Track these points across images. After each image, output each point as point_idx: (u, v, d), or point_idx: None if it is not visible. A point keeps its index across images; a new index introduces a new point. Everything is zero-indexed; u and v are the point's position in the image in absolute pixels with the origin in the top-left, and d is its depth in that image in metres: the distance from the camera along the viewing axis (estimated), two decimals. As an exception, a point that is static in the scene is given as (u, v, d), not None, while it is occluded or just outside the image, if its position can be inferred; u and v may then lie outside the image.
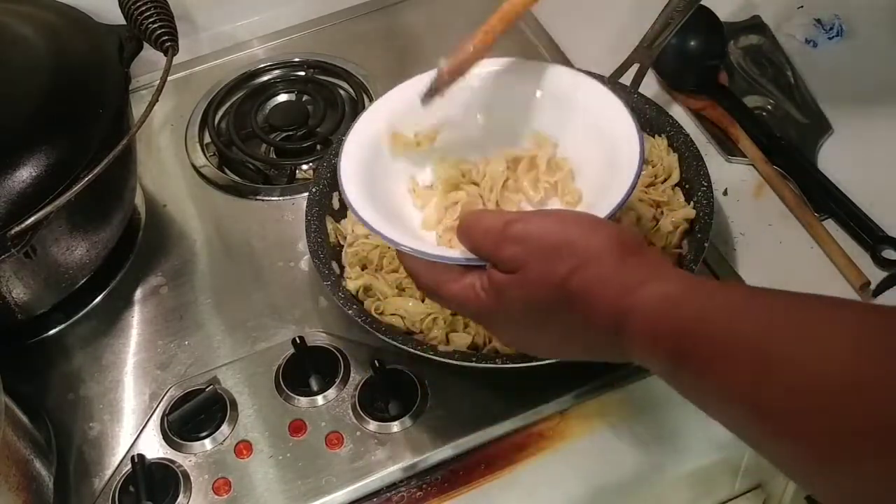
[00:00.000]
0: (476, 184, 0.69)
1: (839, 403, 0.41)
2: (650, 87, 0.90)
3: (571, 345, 0.56)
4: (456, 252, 0.59)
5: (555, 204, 0.69)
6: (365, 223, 0.62)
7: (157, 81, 0.75)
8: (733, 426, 0.47)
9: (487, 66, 0.70)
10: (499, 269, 0.55)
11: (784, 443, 0.43)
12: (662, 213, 0.75)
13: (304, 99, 0.97)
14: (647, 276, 0.51)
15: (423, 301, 0.70)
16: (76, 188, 0.68)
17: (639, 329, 0.50)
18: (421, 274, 0.61)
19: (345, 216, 0.79)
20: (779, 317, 0.45)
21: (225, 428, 0.70)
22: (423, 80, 0.68)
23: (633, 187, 0.59)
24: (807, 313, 0.45)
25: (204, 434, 0.70)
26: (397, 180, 0.70)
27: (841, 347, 0.42)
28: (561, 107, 0.69)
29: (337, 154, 0.67)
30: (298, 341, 0.72)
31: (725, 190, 0.82)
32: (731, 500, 0.81)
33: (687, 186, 0.76)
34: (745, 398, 0.45)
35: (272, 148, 0.93)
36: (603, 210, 0.59)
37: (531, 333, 0.57)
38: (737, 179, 0.83)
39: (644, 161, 0.60)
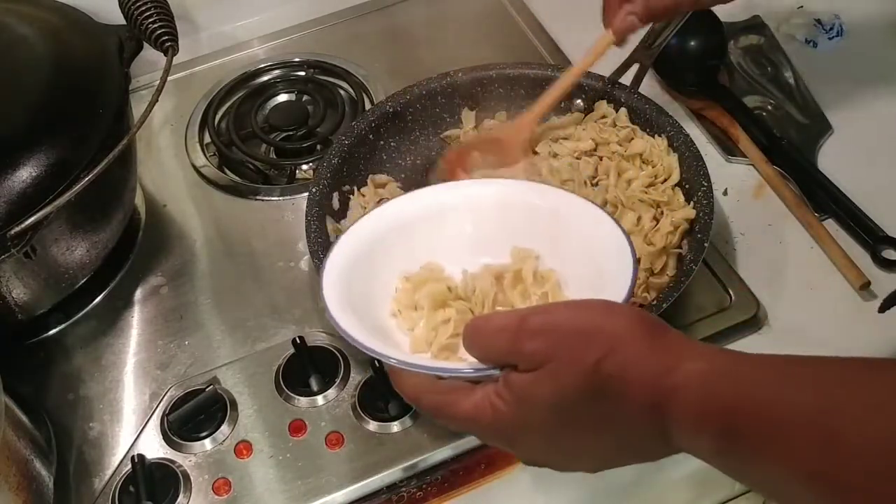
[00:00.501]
0: (462, 299, 0.65)
1: None
2: (650, 87, 0.90)
3: (608, 444, 0.51)
4: (463, 364, 0.54)
5: None
6: (362, 346, 0.57)
7: (157, 81, 0.75)
8: None
9: (476, 185, 0.72)
10: (518, 369, 0.50)
11: None
12: (662, 213, 0.75)
13: (304, 99, 0.97)
14: (681, 354, 0.48)
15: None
16: (76, 188, 0.68)
17: (683, 410, 0.46)
18: (424, 395, 0.55)
19: (345, 216, 0.79)
20: (833, 385, 0.43)
21: (225, 428, 0.70)
22: (384, 212, 0.68)
23: (632, 286, 0.57)
24: (862, 379, 0.43)
25: (204, 434, 0.70)
26: (380, 305, 0.66)
27: None
28: (545, 221, 0.67)
29: (319, 285, 0.63)
30: (298, 341, 0.72)
31: (725, 190, 0.82)
32: (730, 500, 0.81)
33: (687, 186, 0.76)
34: (816, 477, 0.42)
35: (272, 148, 0.93)
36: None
37: (560, 440, 0.52)
38: (737, 179, 0.83)
39: (638, 265, 0.59)
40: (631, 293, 0.57)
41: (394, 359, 0.56)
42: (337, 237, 0.69)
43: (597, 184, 0.79)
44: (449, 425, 0.56)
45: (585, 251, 0.64)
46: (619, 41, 0.76)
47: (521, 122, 0.81)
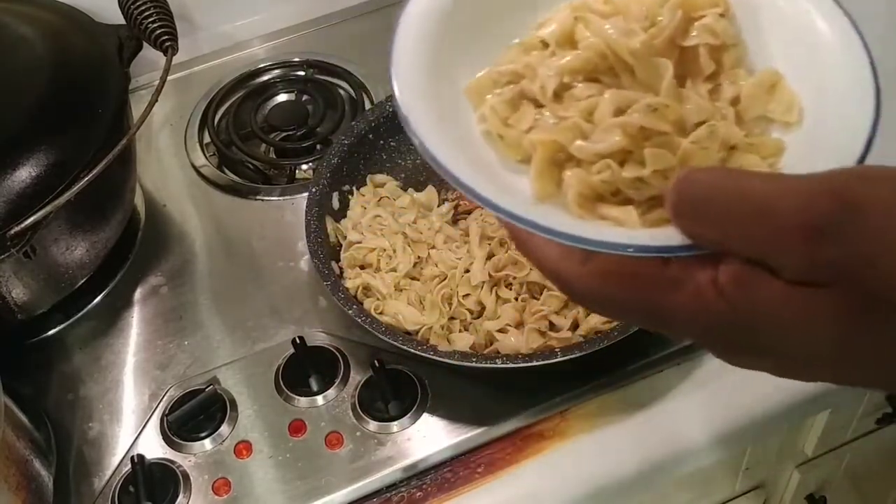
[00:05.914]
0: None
1: None
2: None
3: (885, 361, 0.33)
4: (669, 235, 0.33)
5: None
6: (461, 186, 0.36)
7: (157, 81, 0.75)
8: None
9: None
10: (777, 274, 0.32)
11: None
12: None
13: (303, 99, 0.97)
14: None
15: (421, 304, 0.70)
16: (76, 188, 0.68)
17: None
18: (605, 282, 0.35)
19: (345, 216, 0.79)
20: None
21: (225, 428, 0.70)
22: None
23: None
24: None
25: (204, 434, 0.70)
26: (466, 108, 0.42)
27: None
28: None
29: (389, 70, 0.42)
30: (298, 341, 0.72)
31: (725, 190, 0.82)
32: (731, 500, 0.81)
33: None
34: None
35: (272, 148, 0.93)
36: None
37: (812, 362, 0.35)
38: (737, 179, 0.83)
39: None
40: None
41: (531, 221, 0.33)
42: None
43: None
44: (645, 326, 0.37)
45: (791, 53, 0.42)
46: None
47: None
